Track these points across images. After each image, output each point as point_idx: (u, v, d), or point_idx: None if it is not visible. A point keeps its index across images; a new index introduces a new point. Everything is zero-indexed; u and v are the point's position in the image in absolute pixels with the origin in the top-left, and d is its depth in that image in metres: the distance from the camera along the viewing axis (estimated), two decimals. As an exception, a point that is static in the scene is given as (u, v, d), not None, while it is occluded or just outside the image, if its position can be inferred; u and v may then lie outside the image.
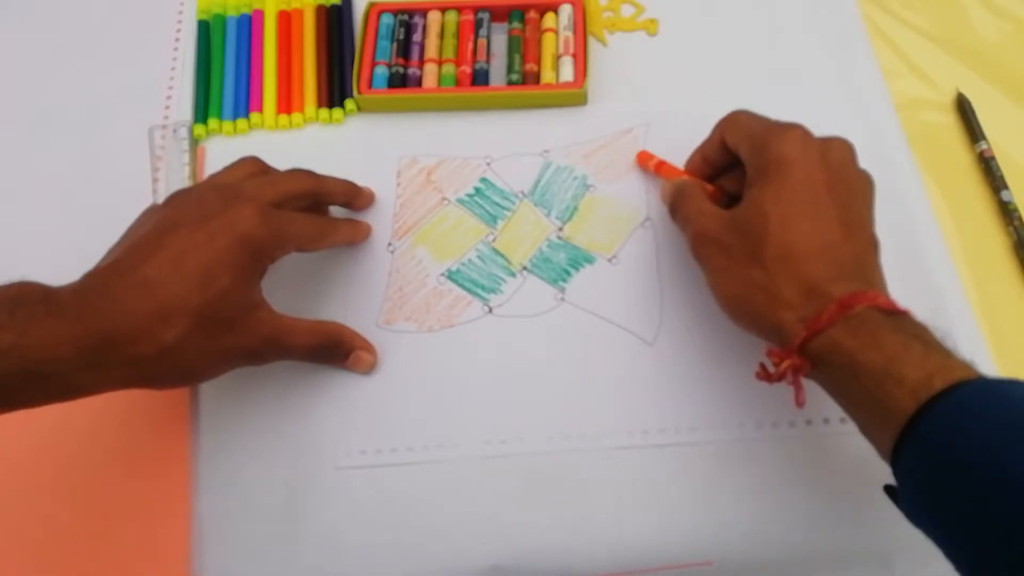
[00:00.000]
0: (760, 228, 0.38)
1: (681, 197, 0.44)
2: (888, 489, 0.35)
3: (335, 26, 0.58)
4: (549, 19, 0.57)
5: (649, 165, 0.51)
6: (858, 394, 0.35)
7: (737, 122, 0.44)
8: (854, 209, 0.39)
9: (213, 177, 0.46)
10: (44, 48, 0.60)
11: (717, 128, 0.45)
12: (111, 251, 0.41)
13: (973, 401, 0.31)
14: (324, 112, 0.55)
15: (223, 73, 0.57)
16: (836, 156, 0.40)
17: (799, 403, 0.38)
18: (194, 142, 0.55)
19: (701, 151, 0.47)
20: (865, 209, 0.40)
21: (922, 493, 0.32)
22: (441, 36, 0.57)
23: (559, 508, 0.43)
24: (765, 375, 0.39)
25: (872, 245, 0.39)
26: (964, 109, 0.54)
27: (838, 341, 0.35)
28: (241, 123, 0.55)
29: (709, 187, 0.46)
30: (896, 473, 0.33)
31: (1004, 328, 0.47)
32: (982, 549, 0.30)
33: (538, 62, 0.55)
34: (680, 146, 0.52)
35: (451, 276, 0.49)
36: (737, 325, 0.40)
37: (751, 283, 0.38)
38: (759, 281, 0.38)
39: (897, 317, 0.36)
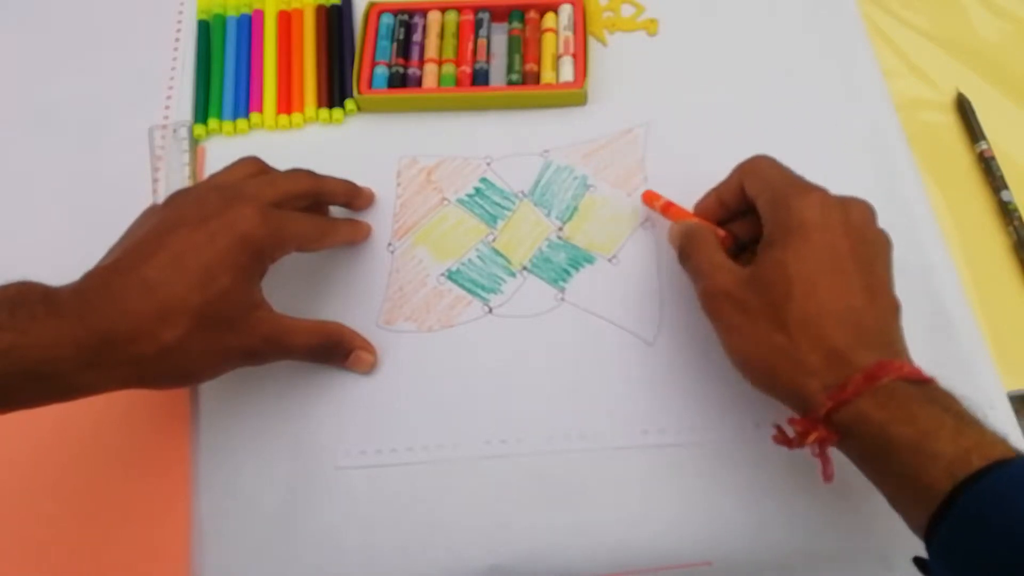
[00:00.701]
0: (783, 291, 0.37)
1: (692, 244, 0.43)
2: (918, 561, 0.34)
3: (335, 26, 0.58)
4: (549, 19, 0.57)
5: (655, 205, 0.48)
6: (890, 467, 0.34)
7: (758, 171, 0.43)
8: (876, 273, 0.39)
9: (213, 177, 0.46)
10: (44, 48, 0.60)
11: (736, 172, 0.44)
12: (111, 251, 0.41)
13: (1014, 481, 0.31)
14: (324, 112, 0.55)
15: (223, 73, 0.57)
16: (857, 219, 0.39)
17: (827, 478, 0.37)
18: (194, 142, 0.55)
19: (718, 193, 0.45)
20: (885, 271, 0.39)
21: (959, 572, 0.31)
22: (441, 36, 0.57)
23: (559, 508, 0.43)
24: (784, 440, 0.38)
25: (895, 309, 0.38)
26: (964, 109, 0.54)
27: (866, 413, 0.34)
28: (241, 123, 0.55)
29: (720, 232, 0.44)
30: (930, 549, 0.33)
31: (1004, 328, 0.47)
32: None
33: (538, 62, 0.55)
34: (680, 146, 0.53)
35: (451, 276, 0.49)
36: (752, 386, 0.39)
37: (772, 347, 0.37)
38: (781, 345, 0.37)
39: (925, 387, 0.35)
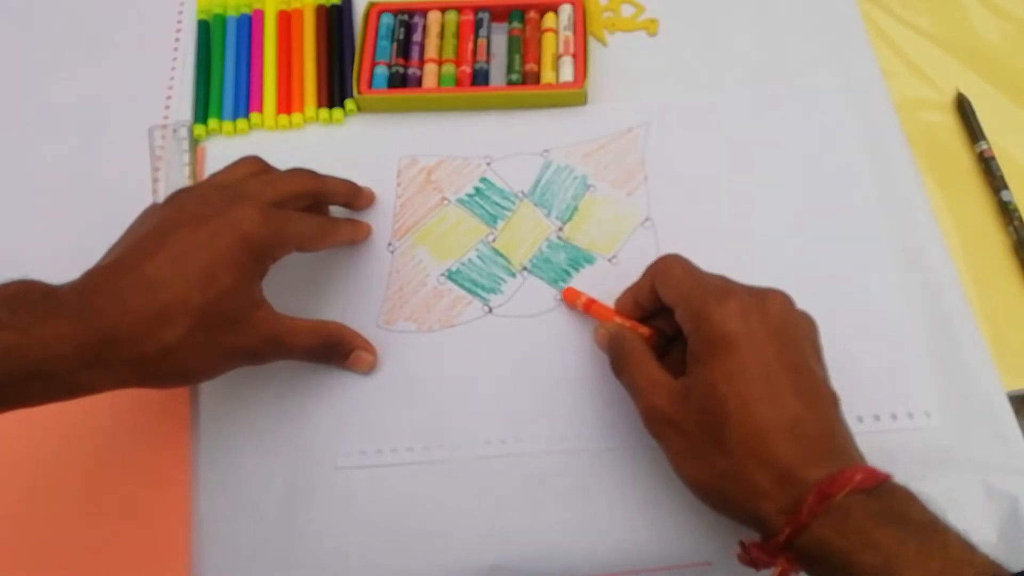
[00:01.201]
0: (719, 412, 0.36)
1: (622, 355, 0.41)
2: None
3: (335, 26, 0.58)
4: (549, 19, 0.57)
5: (577, 304, 0.47)
6: None
7: (669, 276, 0.41)
8: (807, 370, 0.37)
9: (214, 176, 0.46)
10: (44, 48, 0.60)
11: (647, 274, 0.43)
12: (112, 250, 0.41)
13: None
14: (324, 112, 0.55)
15: (223, 73, 0.57)
16: (777, 315, 0.38)
17: None
18: (194, 142, 0.55)
19: (632, 295, 0.44)
20: (816, 363, 0.38)
21: None
22: (441, 36, 0.57)
23: (559, 508, 0.43)
24: (749, 560, 0.36)
25: (833, 405, 0.37)
26: (964, 109, 0.54)
27: (827, 540, 0.33)
28: (241, 123, 0.55)
29: (645, 330, 0.43)
30: None
31: (1004, 328, 0.47)
32: None
33: (538, 62, 0.55)
34: (680, 146, 0.53)
35: (451, 276, 0.49)
36: (708, 507, 0.38)
37: (718, 470, 0.36)
38: (726, 469, 0.36)
39: (880, 494, 0.34)
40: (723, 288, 0.39)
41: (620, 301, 0.45)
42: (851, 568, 0.32)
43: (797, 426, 0.35)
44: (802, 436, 0.35)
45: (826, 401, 0.37)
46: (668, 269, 0.42)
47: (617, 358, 0.42)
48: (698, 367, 0.38)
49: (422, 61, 0.56)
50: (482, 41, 0.56)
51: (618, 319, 0.44)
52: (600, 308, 0.46)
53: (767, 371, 0.36)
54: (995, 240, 0.50)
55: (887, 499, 0.34)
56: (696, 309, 0.39)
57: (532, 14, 0.57)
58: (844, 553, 0.32)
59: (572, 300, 0.47)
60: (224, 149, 0.54)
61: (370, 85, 0.55)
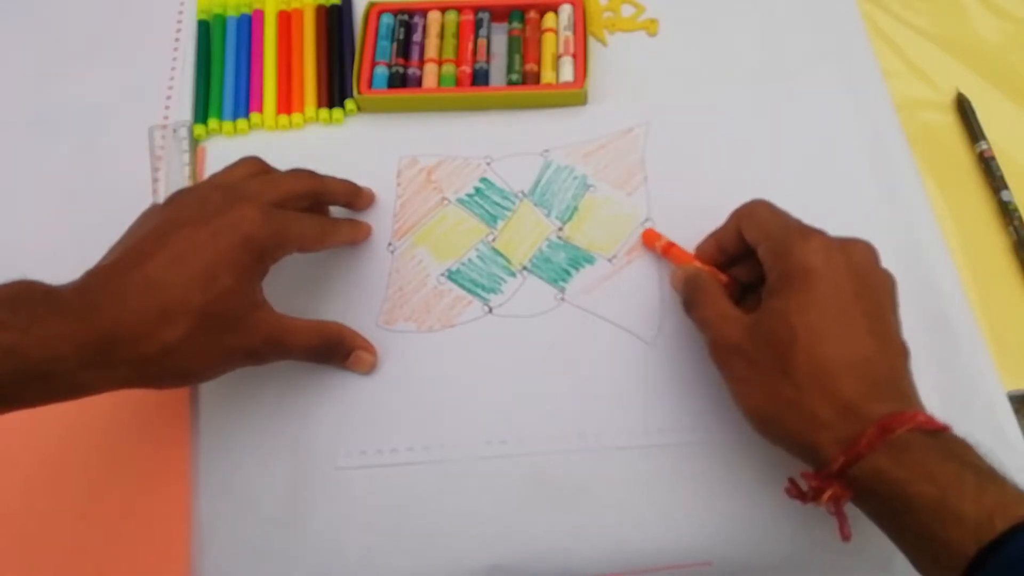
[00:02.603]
0: (788, 342, 0.36)
1: (697, 293, 0.42)
2: None
3: (335, 26, 0.58)
4: (549, 19, 0.57)
5: (656, 246, 0.48)
6: (910, 528, 0.33)
7: (755, 216, 0.42)
8: (883, 317, 0.38)
9: (214, 177, 0.46)
10: (44, 48, 0.60)
11: (733, 218, 0.44)
12: (112, 250, 0.41)
13: None
14: (324, 112, 0.55)
15: (223, 73, 0.57)
16: (860, 261, 0.39)
17: (845, 537, 0.36)
18: (194, 142, 0.55)
19: (716, 239, 0.45)
20: (892, 314, 0.39)
21: None
22: (441, 36, 0.57)
23: (559, 508, 0.43)
24: (798, 493, 0.37)
25: (903, 355, 0.38)
26: (964, 109, 0.54)
27: (883, 469, 0.33)
28: (241, 123, 0.55)
29: (723, 277, 0.44)
30: None
31: (1004, 328, 0.47)
32: None
33: (538, 62, 0.55)
34: (680, 146, 0.53)
35: (451, 276, 0.49)
36: (764, 438, 0.38)
37: (780, 399, 0.36)
38: (789, 397, 0.36)
39: (940, 437, 0.34)
40: (808, 228, 0.40)
41: (702, 246, 0.46)
42: (906, 499, 0.33)
43: (865, 365, 0.36)
44: (868, 375, 0.36)
45: (897, 347, 0.38)
46: (755, 209, 0.42)
47: (691, 294, 0.42)
48: (774, 299, 0.38)
49: (422, 61, 0.56)
50: (482, 41, 0.56)
51: (697, 264, 0.45)
52: (680, 252, 0.47)
53: (843, 309, 0.37)
54: (995, 240, 0.50)
55: (948, 442, 0.34)
56: (779, 244, 0.39)
57: (532, 14, 0.57)
58: (900, 483, 0.33)
59: (651, 242, 0.48)
60: (224, 149, 0.54)
61: (370, 85, 0.55)
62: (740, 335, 0.39)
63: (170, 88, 0.57)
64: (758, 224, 0.42)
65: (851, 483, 0.34)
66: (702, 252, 0.45)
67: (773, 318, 0.38)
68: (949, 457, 0.33)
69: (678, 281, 0.44)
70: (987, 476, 0.33)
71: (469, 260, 0.50)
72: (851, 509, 0.36)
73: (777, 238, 0.40)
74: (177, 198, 0.42)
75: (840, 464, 0.34)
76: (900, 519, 0.34)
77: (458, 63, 0.55)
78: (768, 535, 0.42)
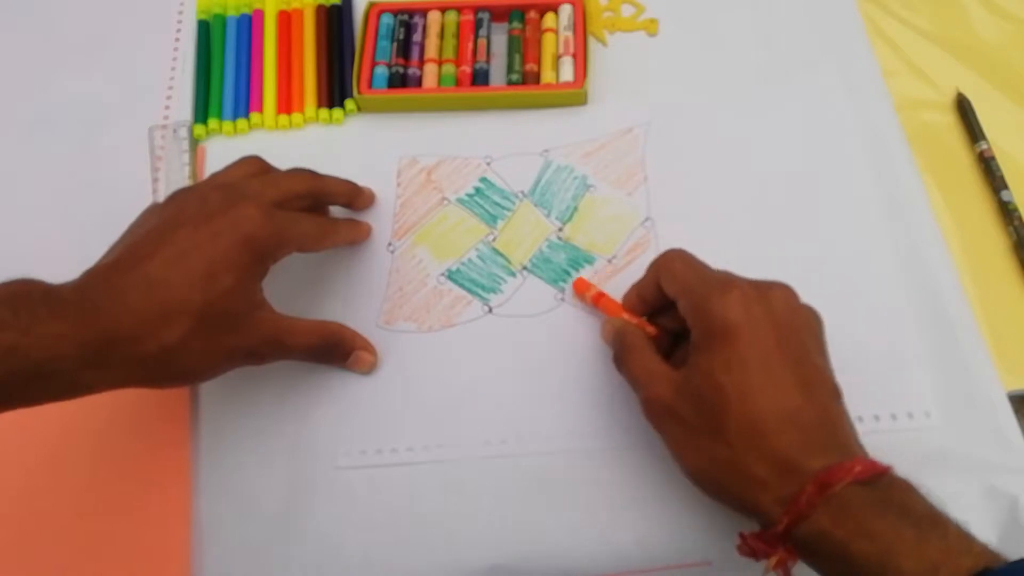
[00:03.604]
0: (717, 402, 0.36)
1: (624, 348, 0.42)
2: None
3: (335, 26, 0.58)
4: (549, 19, 0.57)
5: (586, 297, 0.47)
6: None
7: (672, 270, 0.41)
8: (809, 361, 0.37)
9: (214, 176, 0.46)
10: (44, 48, 0.60)
11: (651, 270, 0.43)
12: (112, 249, 0.41)
13: None
14: (324, 112, 0.55)
15: (223, 73, 0.57)
16: (780, 308, 0.38)
17: None
18: (194, 142, 0.55)
19: (638, 290, 0.44)
20: (819, 355, 0.38)
21: None
22: (441, 36, 0.57)
23: (559, 508, 0.43)
24: (748, 551, 0.36)
25: (834, 396, 0.37)
26: (964, 109, 0.54)
27: (825, 530, 0.33)
28: (241, 123, 0.55)
29: (650, 329, 0.43)
30: None
31: (1004, 328, 0.47)
32: None
33: (538, 62, 0.55)
34: (680, 146, 0.53)
35: (451, 276, 0.49)
36: (707, 497, 0.38)
37: (717, 460, 0.36)
38: (725, 458, 0.36)
39: (879, 487, 0.34)
40: (726, 280, 0.39)
41: (626, 297, 0.45)
42: (848, 558, 0.32)
43: (796, 417, 0.35)
44: (801, 427, 0.35)
45: (827, 393, 0.37)
46: (670, 262, 0.42)
47: (619, 351, 0.42)
48: (698, 356, 0.38)
49: (422, 61, 0.56)
50: (482, 41, 0.56)
51: (625, 315, 0.44)
52: (608, 302, 0.46)
53: (767, 361, 0.36)
54: (995, 240, 0.50)
55: (886, 490, 0.34)
56: (698, 300, 0.39)
57: (532, 14, 0.57)
58: (842, 543, 0.32)
59: (582, 292, 0.47)
60: (224, 149, 0.54)
61: (370, 85, 0.55)
62: (669, 394, 0.38)
63: (170, 88, 0.57)
64: (675, 277, 0.41)
65: (797, 543, 0.34)
66: (628, 303, 0.45)
67: (700, 377, 0.37)
68: (887, 509, 0.33)
69: (607, 335, 0.44)
70: (928, 525, 0.32)
71: (469, 260, 0.50)
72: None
73: (695, 293, 0.39)
74: (177, 198, 0.42)
75: (784, 526, 0.34)
76: None
77: (458, 63, 0.55)
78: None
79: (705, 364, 0.37)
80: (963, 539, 0.32)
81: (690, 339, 0.39)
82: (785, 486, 0.34)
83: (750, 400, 0.36)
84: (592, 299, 0.47)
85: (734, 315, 0.37)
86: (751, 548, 0.36)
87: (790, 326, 0.38)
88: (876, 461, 0.34)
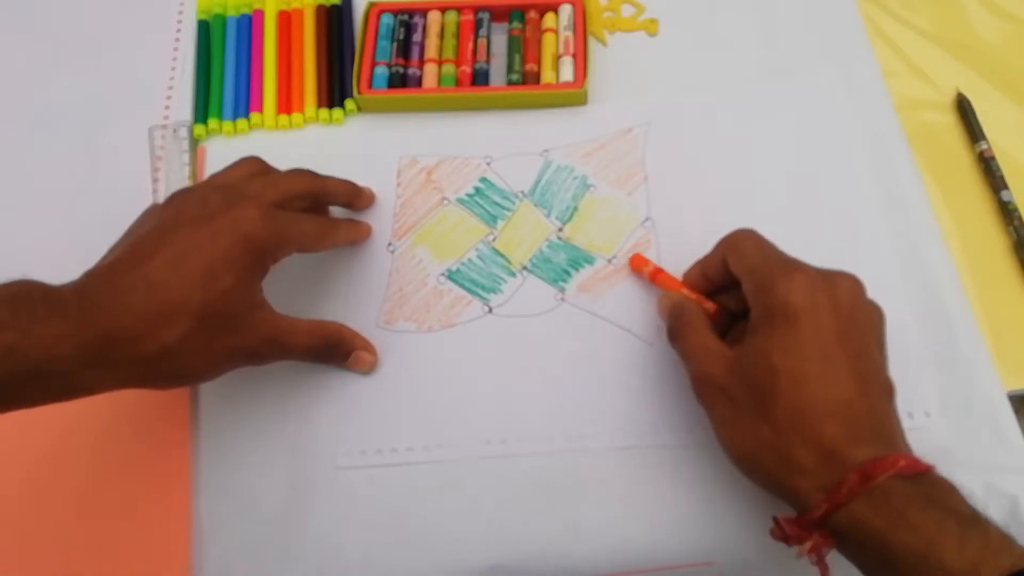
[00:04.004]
0: (768, 383, 0.36)
1: (680, 323, 0.41)
2: None
3: (335, 26, 0.58)
4: (549, 19, 0.57)
5: (644, 272, 0.47)
6: None
7: (740, 248, 0.41)
8: (867, 355, 0.37)
9: (214, 177, 0.46)
10: (44, 48, 0.60)
11: (719, 247, 0.43)
12: (112, 250, 0.41)
13: None
14: (324, 112, 0.55)
15: (223, 73, 0.57)
16: (845, 297, 0.38)
17: None
18: (194, 142, 0.55)
19: (702, 267, 0.44)
20: (877, 351, 0.38)
21: None
22: (441, 36, 0.57)
23: (559, 508, 0.43)
24: (782, 535, 0.36)
25: (887, 393, 0.37)
26: (964, 109, 0.54)
27: (864, 519, 0.33)
28: (241, 123, 0.55)
29: (709, 305, 0.43)
30: None
31: (1004, 328, 0.47)
32: None
33: (538, 62, 0.55)
34: (680, 146, 0.53)
35: (451, 276, 0.49)
36: (748, 480, 0.38)
37: (761, 441, 0.36)
38: (769, 440, 0.35)
39: (922, 482, 0.34)
40: (793, 263, 0.39)
41: (688, 273, 0.45)
42: (888, 548, 0.32)
43: (846, 407, 0.35)
44: (850, 418, 0.35)
45: (880, 389, 0.37)
46: (740, 241, 0.42)
47: (675, 324, 0.42)
48: (756, 337, 0.37)
49: (422, 61, 0.56)
50: (482, 41, 0.56)
51: (684, 291, 0.44)
52: (667, 278, 0.46)
53: (825, 349, 0.36)
54: (995, 240, 0.50)
55: (929, 487, 0.34)
56: (763, 279, 0.39)
57: (532, 14, 0.57)
58: (881, 533, 0.32)
59: (639, 267, 0.47)
60: (224, 149, 0.54)
61: (370, 85, 0.55)
62: (722, 372, 0.38)
63: (170, 88, 0.57)
64: (742, 257, 0.41)
65: (833, 531, 0.34)
66: (689, 279, 0.45)
67: (755, 357, 0.37)
68: (930, 504, 0.33)
69: (663, 309, 0.44)
70: (969, 523, 0.32)
71: (469, 260, 0.50)
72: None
73: (761, 273, 0.39)
74: (177, 198, 0.42)
75: (822, 512, 0.34)
76: (883, 569, 0.33)
77: (458, 63, 0.55)
78: (768, 535, 0.42)
79: (762, 345, 0.37)
80: (1003, 540, 0.32)
81: (749, 319, 0.39)
82: (827, 474, 0.34)
83: (802, 386, 0.35)
84: (650, 275, 0.47)
85: (797, 299, 0.37)
86: (784, 533, 0.36)
87: (852, 317, 0.37)
88: (920, 459, 0.34)
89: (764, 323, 0.38)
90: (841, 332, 0.37)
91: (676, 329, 0.42)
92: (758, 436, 0.36)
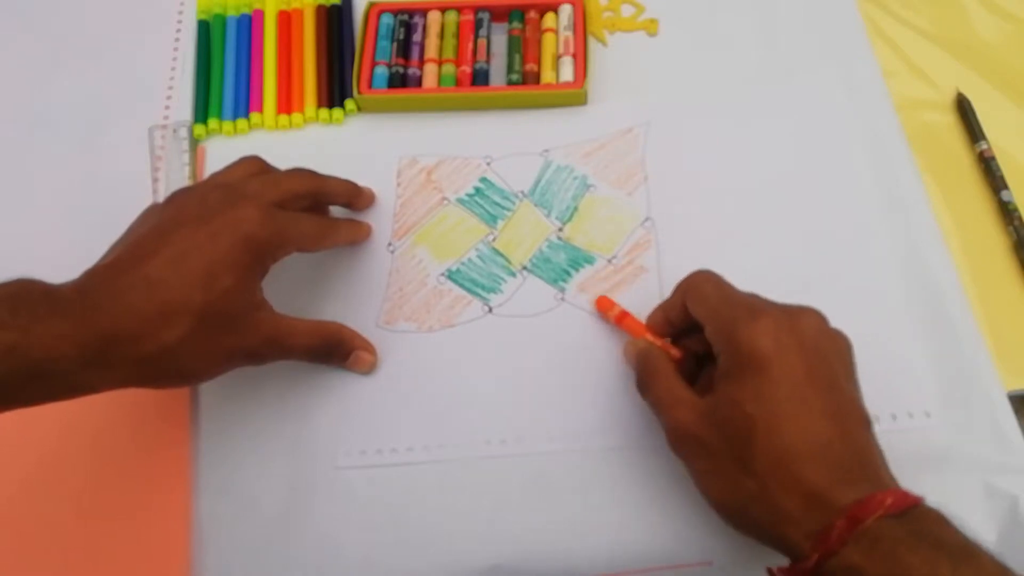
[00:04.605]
0: (745, 433, 0.35)
1: (648, 372, 0.41)
2: None
3: (335, 26, 0.58)
4: (549, 19, 0.57)
5: (610, 315, 0.46)
6: None
7: (699, 291, 0.41)
8: (838, 389, 0.36)
9: (214, 176, 0.46)
10: (44, 48, 0.60)
11: (678, 291, 0.42)
12: (112, 249, 0.41)
13: None
14: (324, 112, 0.55)
15: (223, 73, 0.57)
16: (809, 334, 0.37)
17: None
18: (194, 142, 0.55)
19: (664, 311, 0.43)
20: (848, 381, 0.37)
21: None
22: (441, 36, 0.57)
23: (559, 508, 0.43)
24: None
25: (864, 426, 0.36)
26: (964, 109, 0.54)
27: (857, 566, 0.32)
28: (241, 123, 0.55)
29: (675, 352, 0.42)
30: None
31: (1004, 328, 0.47)
32: None
33: (538, 62, 0.55)
34: (680, 146, 0.53)
35: (451, 276, 0.49)
36: (734, 529, 0.37)
37: (744, 493, 0.35)
38: (753, 492, 0.35)
39: (911, 518, 0.33)
40: (754, 306, 0.39)
41: (651, 318, 0.44)
42: None
43: (826, 449, 0.35)
44: (831, 459, 0.34)
45: (857, 422, 0.36)
46: (698, 285, 0.41)
47: (643, 375, 0.41)
48: (726, 385, 0.37)
49: (422, 61, 0.56)
50: (482, 41, 0.56)
51: (649, 336, 0.43)
52: (632, 322, 0.45)
53: (797, 391, 0.36)
54: (995, 240, 0.50)
55: (918, 522, 0.33)
56: (726, 326, 0.38)
57: (532, 14, 0.57)
58: None
59: (605, 310, 0.47)
60: (224, 149, 0.54)
61: (370, 85, 0.55)
62: (696, 422, 0.37)
63: (170, 88, 0.57)
64: (703, 300, 0.40)
65: None
66: (653, 323, 0.44)
67: (728, 407, 0.36)
68: (920, 542, 0.32)
69: (631, 357, 0.43)
70: (962, 556, 0.32)
71: (469, 260, 0.50)
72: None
73: (723, 318, 0.38)
74: (177, 198, 0.42)
75: (815, 560, 0.33)
76: None
77: (458, 63, 0.55)
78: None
79: (733, 393, 0.36)
80: (998, 570, 0.32)
81: (716, 364, 0.38)
82: (814, 520, 0.33)
83: (779, 432, 0.35)
84: (615, 319, 0.46)
85: (763, 344, 0.36)
86: None
87: (820, 354, 0.37)
88: (907, 492, 0.34)
89: (734, 371, 0.37)
90: (810, 371, 0.36)
91: (644, 379, 0.41)
92: (740, 487, 0.35)
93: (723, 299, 0.40)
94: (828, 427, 0.35)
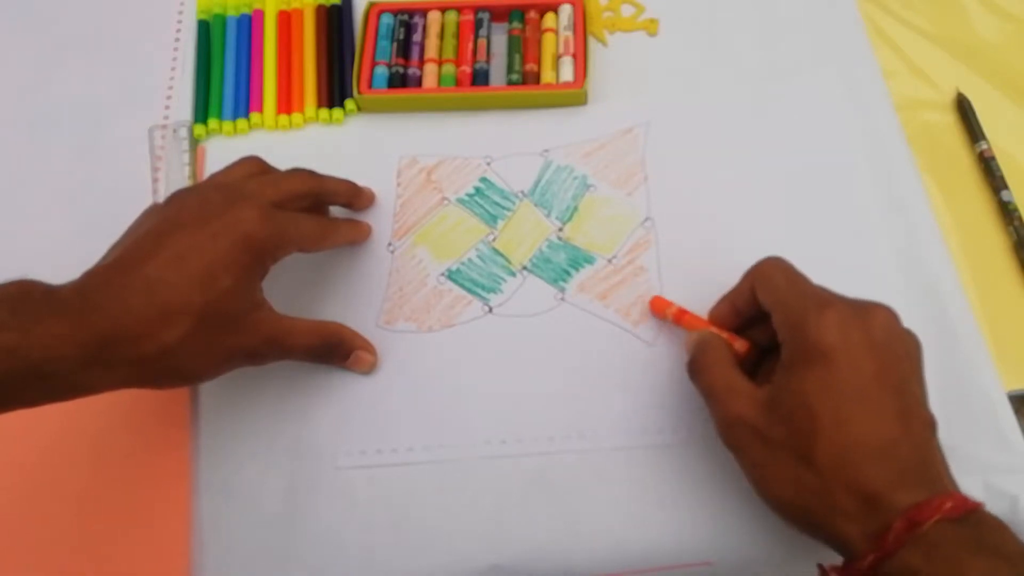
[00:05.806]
0: (808, 426, 0.35)
1: (704, 358, 0.40)
2: None
3: (335, 26, 0.58)
4: (549, 19, 0.57)
5: (667, 314, 0.45)
6: None
7: (769, 280, 0.40)
8: (907, 391, 0.36)
9: (214, 177, 0.46)
10: (44, 48, 0.60)
11: (747, 278, 0.41)
12: (112, 250, 0.41)
13: None
14: (324, 112, 0.55)
15: (223, 73, 0.57)
16: (880, 333, 0.36)
17: None
18: (194, 142, 0.55)
19: (730, 300, 0.42)
20: (917, 384, 0.37)
21: None
22: (441, 36, 0.57)
23: (559, 508, 0.43)
24: None
25: (929, 428, 0.36)
26: (964, 109, 0.54)
27: (914, 569, 0.31)
28: (241, 123, 0.55)
29: (741, 343, 0.41)
30: None
31: (1004, 328, 0.47)
32: None
33: (538, 62, 0.55)
34: (680, 146, 0.53)
35: (451, 276, 0.49)
36: (787, 524, 0.37)
37: (802, 487, 0.35)
38: (812, 486, 0.34)
39: (971, 524, 0.32)
40: (824, 297, 0.38)
41: (716, 309, 0.43)
42: None
43: (890, 449, 0.34)
44: (894, 460, 0.34)
45: (923, 425, 0.36)
46: (769, 272, 0.40)
47: (698, 359, 0.40)
48: (790, 376, 0.36)
49: (422, 61, 0.56)
50: (482, 41, 0.56)
51: (713, 329, 0.43)
52: (692, 318, 0.44)
53: (864, 389, 0.35)
54: (995, 240, 0.50)
55: (977, 528, 0.33)
56: (794, 316, 0.37)
57: (532, 14, 0.57)
58: None
59: (660, 310, 0.46)
60: (224, 149, 0.54)
61: (370, 85, 0.55)
62: (752, 413, 0.37)
63: (170, 88, 0.57)
64: (772, 290, 0.39)
65: None
66: (716, 316, 0.43)
67: (791, 398, 0.36)
68: (980, 548, 0.32)
69: (690, 347, 0.42)
70: (1022, 563, 0.31)
71: (469, 260, 0.50)
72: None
73: (792, 308, 0.38)
74: (177, 198, 0.42)
75: (869, 562, 0.33)
76: None
77: (458, 63, 0.55)
78: (768, 535, 0.42)
79: (797, 385, 0.36)
80: None
81: (778, 355, 0.38)
82: (872, 520, 0.33)
83: (844, 428, 0.34)
84: (673, 317, 0.45)
85: (832, 338, 0.36)
86: None
87: (890, 353, 0.36)
88: (967, 497, 0.33)
89: (798, 362, 0.36)
90: (879, 369, 0.35)
91: (698, 364, 0.40)
92: (799, 481, 0.35)
93: (793, 288, 0.39)
94: (894, 427, 0.35)
